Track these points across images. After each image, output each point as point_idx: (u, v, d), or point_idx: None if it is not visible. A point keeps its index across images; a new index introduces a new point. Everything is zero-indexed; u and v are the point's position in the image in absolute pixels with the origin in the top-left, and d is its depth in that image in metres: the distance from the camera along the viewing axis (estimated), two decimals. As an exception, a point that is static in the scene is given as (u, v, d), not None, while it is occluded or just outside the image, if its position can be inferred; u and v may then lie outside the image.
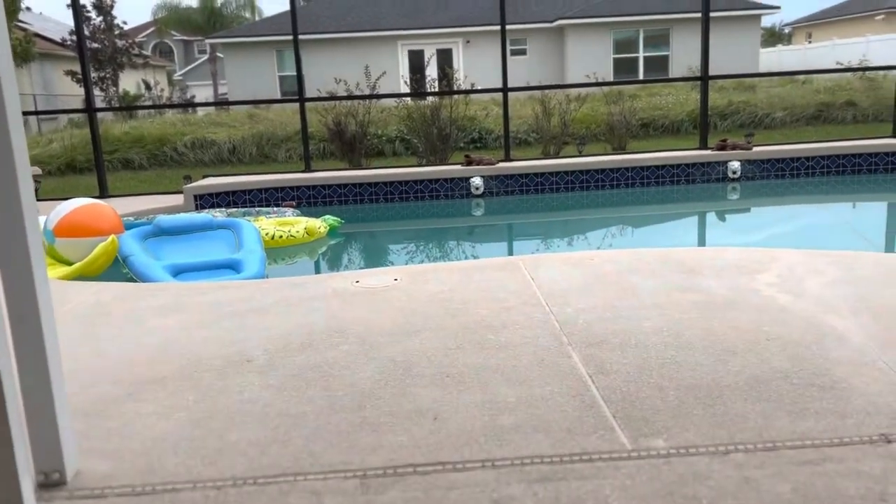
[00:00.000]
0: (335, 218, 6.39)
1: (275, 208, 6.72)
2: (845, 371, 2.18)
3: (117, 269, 4.78)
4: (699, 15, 8.20)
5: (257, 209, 6.66)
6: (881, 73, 17.03)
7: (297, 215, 6.51)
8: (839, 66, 15.52)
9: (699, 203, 7.57)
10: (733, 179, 7.83)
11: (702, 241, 6.26)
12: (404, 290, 3.29)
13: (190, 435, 1.96)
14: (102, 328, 2.97)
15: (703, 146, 8.44)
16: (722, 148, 8.07)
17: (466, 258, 6.12)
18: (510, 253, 6.50)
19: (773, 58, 30.54)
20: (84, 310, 3.25)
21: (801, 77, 18.35)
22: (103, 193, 8.11)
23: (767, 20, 34.10)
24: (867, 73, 16.94)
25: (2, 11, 1.45)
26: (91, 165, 10.83)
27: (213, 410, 2.10)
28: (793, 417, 1.91)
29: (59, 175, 12.64)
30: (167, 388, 2.27)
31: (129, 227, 5.68)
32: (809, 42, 33.14)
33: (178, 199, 7.47)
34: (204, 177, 8.57)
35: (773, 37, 42.06)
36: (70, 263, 4.70)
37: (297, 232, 5.89)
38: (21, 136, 1.54)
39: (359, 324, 2.82)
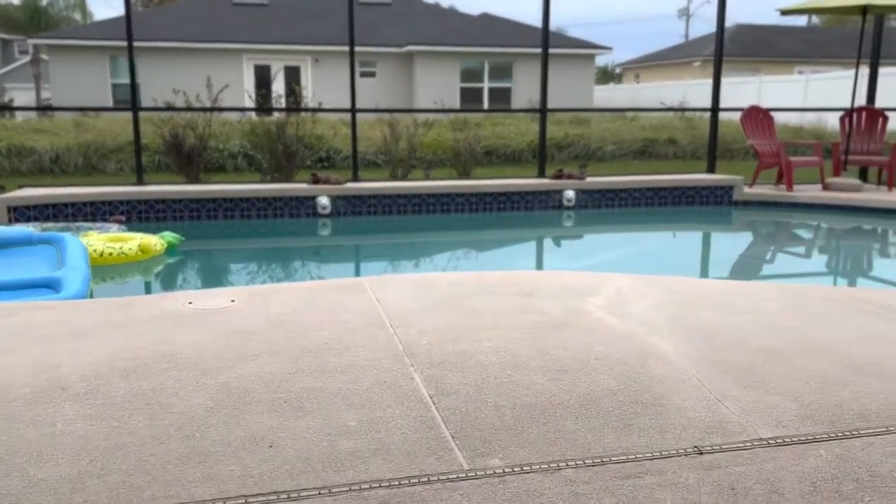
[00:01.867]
0: (174, 234, 6.04)
1: (99, 223, 6.23)
2: (665, 388, 2.33)
3: None
4: (538, 51, 8.64)
5: (78, 224, 6.15)
6: (697, 113, 18.78)
7: (123, 230, 6.07)
8: (663, 106, 16.92)
9: (537, 229, 7.92)
10: (568, 207, 8.28)
11: (540, 265, 6.54)
12: (241, 311, 3.15)
13: (-13, 474, 1.74)
14: None
15: (542, 175, 8.87)
16: (558, 177, 8.52)
17: (311, 279, 6.00)
18: (357, 274, 6.45)
19: (606, 94, 32.84)
20: None
21: (630, 114, 19.84)
22: None
23: (601, 60, 36.65)
24: (685, 113, 18.60)
25: None
26: None
27: (19, 444, 1.89)
28: (619, 433, 2.01)
29: None
30: (-38, 422, 2.02)
31: None
32: (638, 82, 35.95)
33: (-12, 211, 6.77)
34: (19, 187, 7.83)
35: (606, 75, 45.25)
36: None
37: (130, 249, 5.50)
38: None
39: (190, 348, 2.67)
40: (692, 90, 25.46)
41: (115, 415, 2.08)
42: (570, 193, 8.23)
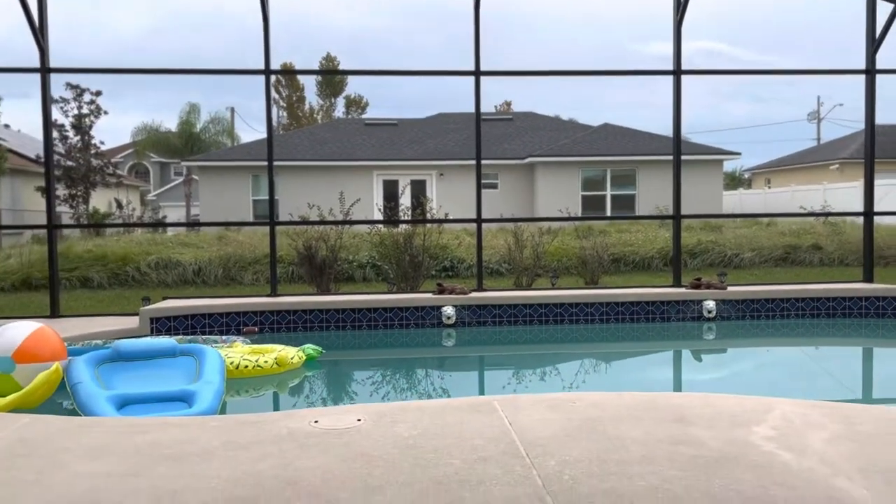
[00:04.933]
0: (315, 347, 6.02)
1: (224, 336, 6.31)
2: (874, 551, 1.89)
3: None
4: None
5: (204, 337, 6.27)
6: (842, 218, 17.62)
7: (246, 342, 6.11)
8: (804, 211, 16.02)
9: (676, 342, 7.40)
10: (709, 319, 7.71)
11: (683, 384, 6.02)
12: (368, 433, 2.96)
13: None
14: (18, 472, 2.58)
15: (677, 284, 8.38)
16: (696, 286, 8.00)
17: (436, 391, 5.79)
18: (482, 386, 6.19)
19: (735, 200, 31.73)
20: (1, 448, 2.85)
21: (765, 220, 18.91)
22: (54, 313, 7.70)
23: (728, 165, 35.73)
24: (829, 217, 17.52)
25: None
26: (47, 283, 10.45)
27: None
28: None
29: (11, 292, 12.18)
30: (78, 556, 1.89)
31: (86, 350, 5.29)
32: (769, 187, 34.60)
33: (133, 322, 7.09)
34: (164, 298, 8.23)
35: (734, 181, 43.98)
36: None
37: (266, 362, 5.50)
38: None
39: (315, 474, 2.48)
40: (831, 194, 24.11)
41: (232, 555, 1.90)
42: (710, 304, 7.68)
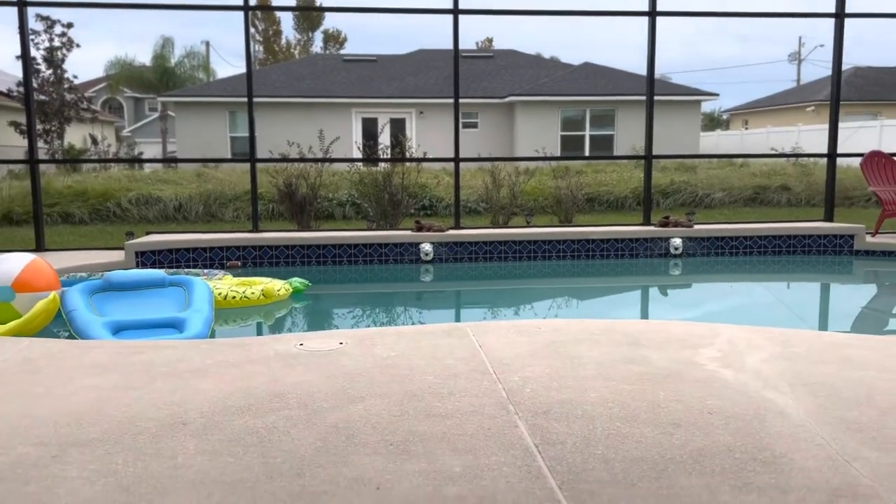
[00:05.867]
0: (302, 280, 6.25)
1: (206, 271, 6.51)
2: (786, 446, 2.20)
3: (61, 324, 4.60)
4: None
5: (186, 270, 6.47)
6: (812, 160, 17.98)
7: (222, 276, 6.29)
8: (774, 152, 16.31)
9: (642, 277, 7.73)
10: (675, 255, 8.05)
11: (645, 314, 6.36)
12: (349, 353, 3.23)
13: (117, 501, 1.85)
14: (28, 387, 2.82)
15: (647, 222, 8.68)
16: (664, 225, 8.31)
17: (413, 320, 6.07)
18: (458, 319, 6.48)
19: (712, 141, 32.02)
20: (9, 367, 3.09)
21: (739, 160, 19.22)
22: (40, 247, 7.84)
23: (707, 106, 35.87)
24: (799, 159, 17.85)
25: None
26: (29, 218, 10.52)
27: (144, 475, 2.00)
28: (736, 492, 1.91)
29: (-7, 226, 12.24)
30: (95, 452, 2.15)
31: (76, 281, 5.48)
32: (746, 128, 34.87)
33: (118, 256, 7.26)
34: (147, 233, 8.39)
35: (712, 122, 44.17)
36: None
37: (253, 294, 5.73)
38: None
39: (301, 388, 2.75)
40: (806, 136, 24.45)
41: (230, 451, 2.16)
42: (677, 241, 8.00)
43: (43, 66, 23.73)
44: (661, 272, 7.82)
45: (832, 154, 8.91)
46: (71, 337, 4.40)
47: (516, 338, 3.50)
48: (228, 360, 3.15)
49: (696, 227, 8.28)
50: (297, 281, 6.21)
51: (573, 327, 3.73)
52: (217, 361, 3.12)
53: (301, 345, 3.38)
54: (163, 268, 7.09)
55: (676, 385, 2.80)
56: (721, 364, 3.09)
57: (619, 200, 14.60)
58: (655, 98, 8.71)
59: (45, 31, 23.62)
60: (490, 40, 44.28)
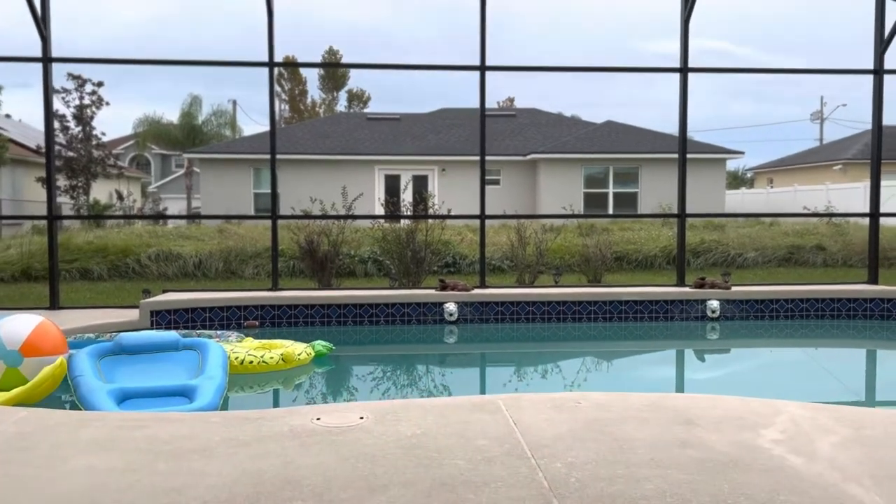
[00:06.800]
0: (325, 343, 5.93)
1: (219, 332, 6.22)
2: (890, 561, 1.85)
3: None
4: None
5: (199, 331, 6.17)
6: (845, 219, 17.55)
7: (240, 339, 5.98)
8: (809, 211, 15.93)
9: (680, 341, 7.35)
10: (712, 318, 7.67)
11: (688, 384, 5.97)
12: (371, 431, 2.92)
13: None
14: (16, 467, 2.54)
15: (681, 283, 8.33)
16: (700, 286, 7.95)
17: (439, 388, 5.75)
18: (484, 384, 6.15)
19: (737, 199, 31.66)
20: (1, 443, 2.81)
21: (768, 220, 18.83)
22: (54, 304, 7.66)
23: (731, 164, 35.63)
24: (833, 218, 17.44)
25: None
26: (46, 274, 10.40)
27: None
28: None
29: (11, 282, 12.13)
30: (75, 555, 1.85)
31: (84, 343, 5.25)
32: (771, 186, 34.52)
33: (133, 315, 7.04)
34: (164, 291, 8.19)
35: (736, 180, 43.89)
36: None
37: (272, 358, 5.42)
38: None
39: (316, 473, 2.44)
40: (835, 195, 24.04)
41: (232, 556, 1.85)
42: (714, 304, 7.63)
43: (72, 123, 24.17)
44: (699, 337, 7.44)
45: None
46: (74, 405, 4.14)
47: (554, 414, 3.17)
48: (238, 437, 2.85)
49: (734, 288, 7.91)
50: (320, 344, 5.91)
51: (616, 402, 3.39)
52: (226, 439, 2.83)
53: (318, 419, 3.08)
54: (178, 328, 6.85)
55: (741, 475, 2.45)
56: (788, 449, 2.74)
57: (649, 259, 14.24)
58: (684, 156, 8.47)
59: (76, 90, 24.14)
60: (511, 100, 44.77)
